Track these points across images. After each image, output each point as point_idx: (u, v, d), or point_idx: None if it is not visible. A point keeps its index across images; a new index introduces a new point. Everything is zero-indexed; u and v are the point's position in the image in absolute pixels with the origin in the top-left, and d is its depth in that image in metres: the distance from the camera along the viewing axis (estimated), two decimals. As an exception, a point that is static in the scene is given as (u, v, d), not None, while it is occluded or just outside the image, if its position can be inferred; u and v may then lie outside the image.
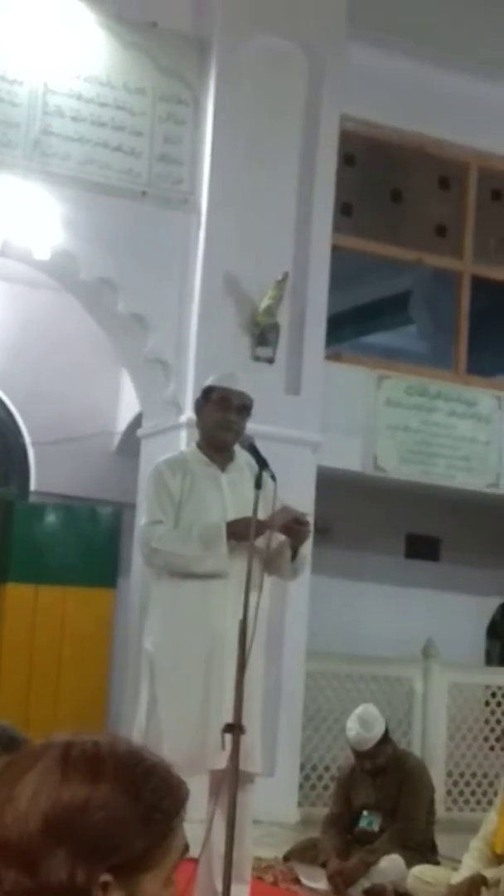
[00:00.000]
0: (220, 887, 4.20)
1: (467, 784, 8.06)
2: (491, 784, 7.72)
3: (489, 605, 10.25)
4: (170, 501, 4.63)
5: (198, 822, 4.19)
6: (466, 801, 8.00)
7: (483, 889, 4.86)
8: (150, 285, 7.40)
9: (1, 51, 7.10)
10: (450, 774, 8.02)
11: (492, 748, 8.24)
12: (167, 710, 4.50)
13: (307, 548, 4.72)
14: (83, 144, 7.25)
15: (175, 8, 7.56)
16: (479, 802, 7.90)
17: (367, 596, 9.57)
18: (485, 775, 8.02)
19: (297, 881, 5.59)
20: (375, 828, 5.64)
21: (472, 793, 8.03)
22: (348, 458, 8.09)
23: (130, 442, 8.54)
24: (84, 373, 9.42)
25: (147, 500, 4.77)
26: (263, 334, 7.46)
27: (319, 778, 7.60)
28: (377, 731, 5.69)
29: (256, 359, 7.45)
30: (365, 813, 5.71)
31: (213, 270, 7.42)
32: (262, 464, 4.36)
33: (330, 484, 7.60)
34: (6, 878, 1.18)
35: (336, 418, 7.85)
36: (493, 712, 8.35)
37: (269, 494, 4.36)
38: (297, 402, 7.58)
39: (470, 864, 5.02)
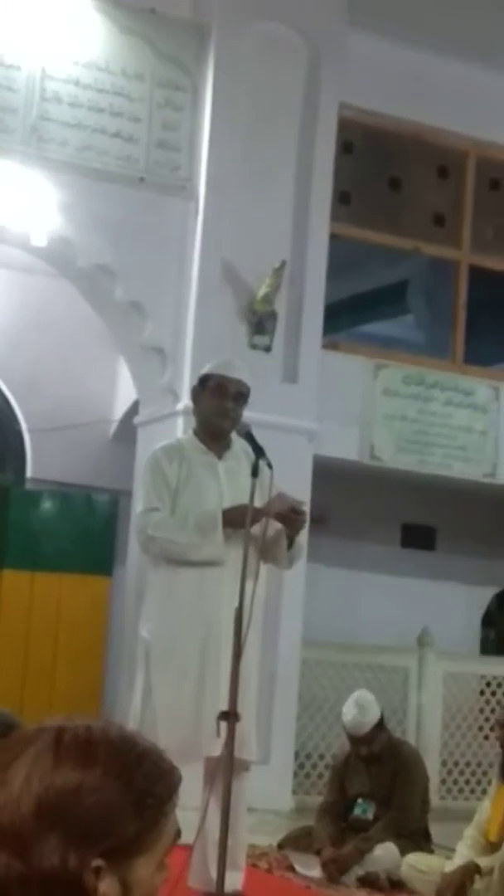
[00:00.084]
0: (214, 874, 4.21)
1: (461, 773, 8.08)
2: (485, 773, 7.74)
3: (484, 595, 10.26)
4: (166, 489, 4.63)
5: (192, 809, 4.21)
6: (460, 790, 8.02)
7: (476, 877, 4.87)
8: (148, 272, 7.38)
9: (-1, 36, 7.08)
10: (444, 763, 8.04)
11: (486, 737, 8.24)
12: (163, 698, 4.51)
13: (303, 536, 4.72)
14: (81, 130, 7.23)
15: (174, -6, 7.53)
16: (472, 791, 7.92)
17: (363, 585, 9.58)
18: (479, 764, 8.04)
19: (291, 868, 5.60)
20: (370, 816, 5.65)
21: (467, 782, 8.05)
22: (345, 447, 8.09)
23: (127, 429, 8.53)
24: (81, 360, 9.41)
25: (143, 487, 4.77)
26: (261, 322, 7.45)
27: (314, 766, 7.62)
28: (373, 716, 5.71)
29: (253, 347, 7.44)
30: (359, 801, 5.72)
31: (210, 258, 7.41)
32: (259, 452, 4.36)
33: (326, 473, 7.60)
34: (-2, 862, 1.18)
35: (333, 407, 7.84)
36: (487, 701, 8.36)
37: (265, 483, 4.35)
38: (293, 390, 7.57)
39: (463, 853, 5.04)
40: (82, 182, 7.20)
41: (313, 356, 7.70)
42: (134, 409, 8.32)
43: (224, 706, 4.13)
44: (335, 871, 5.40)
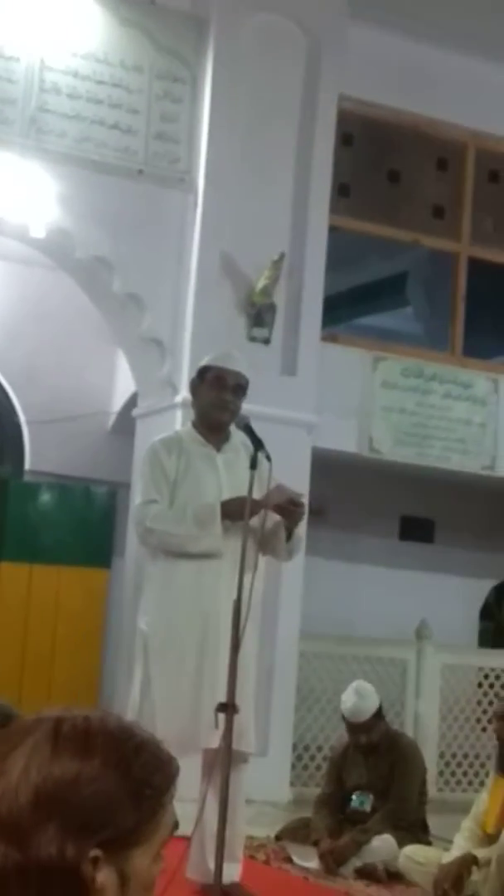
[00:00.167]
0: (212, 866, 4.22)
1: (459, 765, 8.09)
2: (483, 765, 7.76)
3: (483, 587, 10.27)
4: (164, 481, 4.62)
5: (190, 800, 4.21)
6: (458, 782, 8.04)
7: (474, 868, 4.88)
8: (146, 264, 7.38)
9: (-3, 27, 7.06)
10: (442, 755, 8.05)
11: (484, 729, 8.25)
12: (161, 690, 4.51)
13: (302, 528, 4.72)
14: (80, 122, 7.21)
15: (173, -15, 7.51)
16: (470, 783, 7.94)
17: (361, 577, 9.59)
18: (476, 756, 8.05)
19: (288, 860, 5.61)
20: (367, 808, 5.66)
21: (464, 773, 8.07)
22: (343, 440, 8.08)
23: (125, 421, 8.53)
24: (79, 352, 9.40)
25: (142, 479, 4.76)
26: (259, 315, 7.44)
27: (312, 758, 7.63)
28: (372, 703, 5.74)
29: (252, 339, 7.43)
30: (357, 793, 5.73)
31: (209, 250, 7.40)
32: (258, 444, 4.36)
33: (325, 465, 7.60)
34: (-4, 851, 1.18)
35: (332, 399, 7.84)
36: (485, 694, 8.37)
37: (264, 475, 4.35)
38: (292, 382, 7.57)
39: (461, 844, 5.05)
40: (81, 174, 7.19)
41: (312, 348, 7.69)
42: (132, 402, 8.32)
43: (222, 698, 4.13)
44: (333, 862, 5.41)
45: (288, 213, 7.66)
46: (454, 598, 9.71)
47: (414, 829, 5.65)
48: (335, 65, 7.78)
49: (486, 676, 8.47)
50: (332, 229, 7.96)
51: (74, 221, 7.17)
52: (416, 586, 9.54)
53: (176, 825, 1.28)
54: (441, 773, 7.98)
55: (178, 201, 7.44)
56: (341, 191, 8.31)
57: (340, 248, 8.46)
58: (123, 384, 9.13)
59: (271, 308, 7.46)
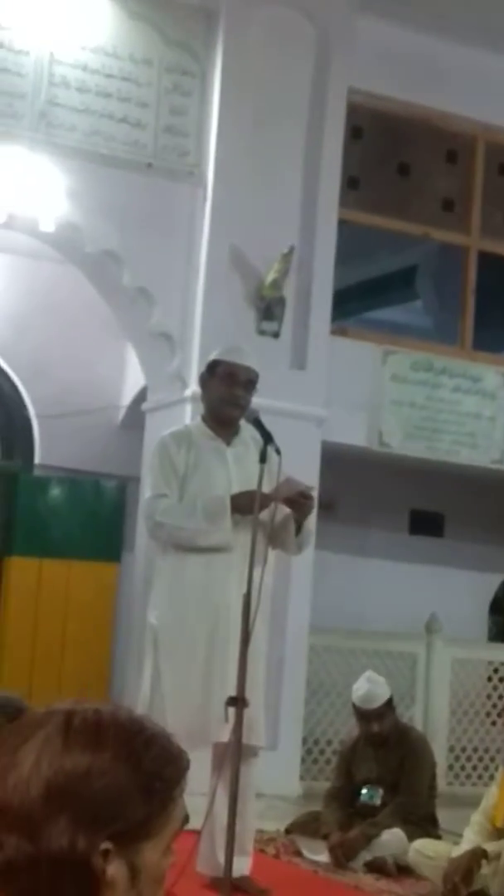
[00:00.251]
0: (222, 859, 4.22)
1: (469, 759, 8.09)
2: (492, 759, 7.76)
3: (492, 581, 10.26)
4: (174, 475, 4.62)
5: (200, 794, 4.21)
6: (468, 776, 8.04)
7: (483, 862, 4.88)
8: (156, 258, 7.37)
9: (7, 21, 7.06)
10: (451, 749, 8.05)
11: (493, 723, 8.27)
12: (171, 684, 4.51)
13: (311, 522, 4.71)
14: (89, 115, 7.21)
15: (182, -22, 7.50)
16: (480, 777, 7.94)
17: (371, 571, 9.59)
18: (486, 750, 8.05)
19: (298, 854, 5.61)
20: (377, 801, 5.66)
21: (474, 767, 8.07)
22: (353, 434, 8.07)
23: (135, 416, 8.53)
24: (89, 346, 9.40)
25: (151, 473, 4.76)
26: (269, 308, 7.43)
27: (322, 752, 7.63)
28: (384, 692, 5.74)
29: (262, 333, 7.43)
30: (367, 787, 5.73)
31: (218, 243, 7.39)
32: (267, 438, 4.36)
33: (334, 459, 7.60)
34: (7, 844, 1.19)
35: (341, 393, 7.83)
36: (495, 688, 8.37)
37: (273, 469, 4.35)
38: (302, 376, 7.56)
39: (470, 838, 5.04)
40: (90, 167, 7.19)
41: (322, 342, 7.68)
42: (142, 396, 8.32)
43: (232, 692, 4.14)
44: (342, 856, 5.41)
45: (297, 207, 7.65)
46: (464, 592, 9.70)
47: (424, 823, 5.64)
48: (344, 58, 7.77)
49: (496, 670, 8.47)
50: (342, 223, 7.95)
51: (83, 215, 7.17)
52: (425, 580, 9.53)
53: (186, 819, 1.28)
54: (451, 767, 7.98)
55: (187, 195, 7.44)
56: (351, 184, 8.29)
57: (350, 242, 8.44)
58: (133, 378, 9.14)
59: (281, 302, 7.45)
